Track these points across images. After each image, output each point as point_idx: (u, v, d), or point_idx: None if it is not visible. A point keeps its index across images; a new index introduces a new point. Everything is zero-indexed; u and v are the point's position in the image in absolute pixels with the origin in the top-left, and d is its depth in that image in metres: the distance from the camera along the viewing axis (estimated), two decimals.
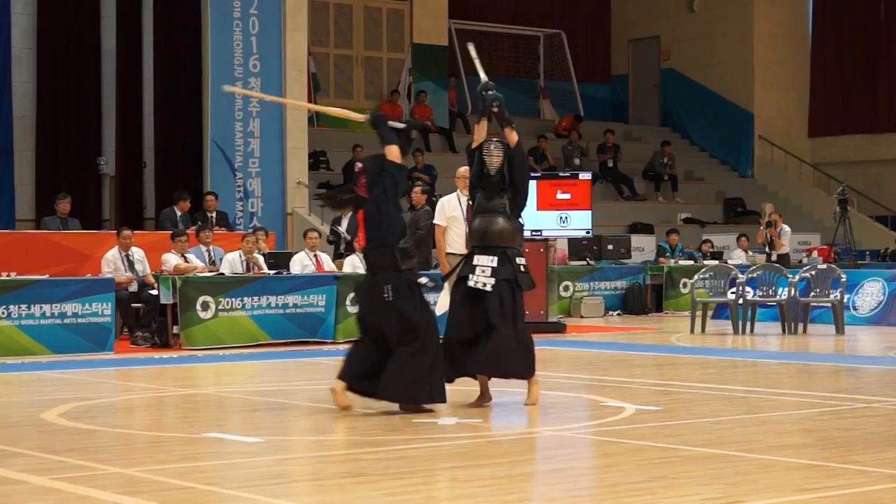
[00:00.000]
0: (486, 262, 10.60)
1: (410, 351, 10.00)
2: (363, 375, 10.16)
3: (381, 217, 10.37)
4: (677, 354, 15.88)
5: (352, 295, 17.36)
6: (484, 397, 10.73)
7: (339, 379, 10.19)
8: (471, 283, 10.58)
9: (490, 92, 10.96)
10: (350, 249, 19.22)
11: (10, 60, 23.34)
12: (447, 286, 12.49)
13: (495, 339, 10.40)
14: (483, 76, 11.34)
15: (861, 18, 30.94)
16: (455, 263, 12.03)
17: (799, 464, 7.79)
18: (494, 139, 10.85)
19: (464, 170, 14.08)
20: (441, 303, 13.04)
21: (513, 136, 10.87)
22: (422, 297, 10.42)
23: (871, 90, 30.71)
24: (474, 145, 10.89)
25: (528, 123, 31.37)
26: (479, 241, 10.75)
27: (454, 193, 14.73)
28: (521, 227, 10.94)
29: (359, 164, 10.85)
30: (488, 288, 10.50)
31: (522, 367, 10.57)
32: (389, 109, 29.12)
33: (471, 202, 11.15)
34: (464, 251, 11.98)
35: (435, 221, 14.72)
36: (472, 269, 10.64)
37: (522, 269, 10.69)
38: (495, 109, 10.92)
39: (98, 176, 23.47)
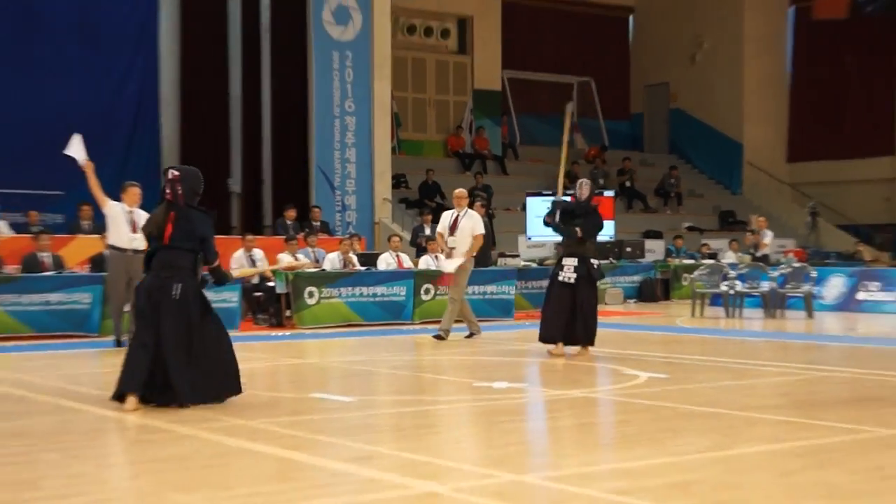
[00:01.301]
0: (570, 263, 12.16)
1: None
2: None
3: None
4: (681, 333, 15.82)
5: (426, 285, 17.49)
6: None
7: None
8: (562, 278, 12.10)
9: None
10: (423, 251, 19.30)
11: (160, 103, 23.60)
12: (450, 258, 14.45)
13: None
14: (566, 137, 13.52)
15: (829, 68, 30.65)
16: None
17: (776, 419, 7.76)
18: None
19: (459, 191, 14.63)
20: (449, 264, 14.33)
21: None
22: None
23: (837, 125, 30.41)
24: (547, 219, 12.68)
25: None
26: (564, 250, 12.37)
27: (453, 210, 14.81)
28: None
29: (174, 172, 8.96)
30: (571, 281, 12.04)
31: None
32: (455, 142, 29.25)
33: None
34: (453, 246, 14.26)
35: (438, 229, 14.97)
36: (561, 267, 12.17)
37: (596, 266, 12.24)
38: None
39: (228, 193, 23.63)
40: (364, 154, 23.16)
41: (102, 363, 12.25)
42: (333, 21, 22.96)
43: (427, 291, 17.60)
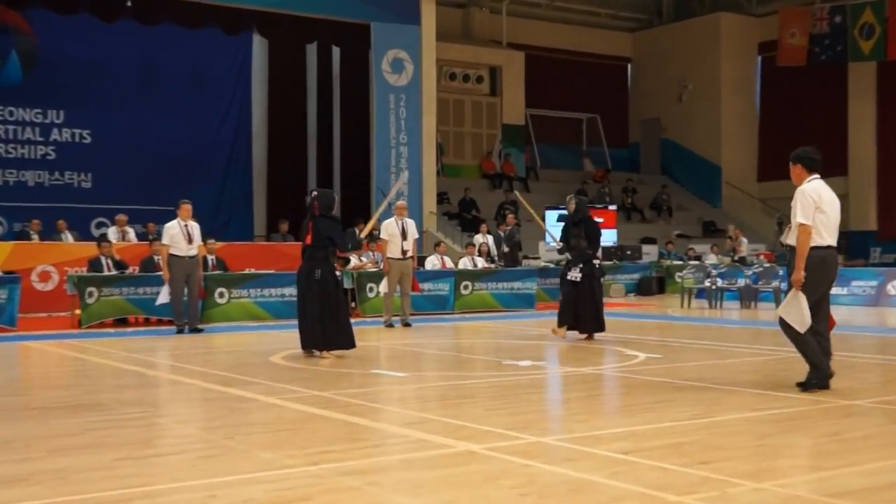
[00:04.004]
0: (577, 265, 12.03)
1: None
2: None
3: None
4: (672, 321, 15.67)
5: (465, 282, 17.43)
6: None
7: None
8: (569, 277, 12.02)
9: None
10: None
11: (251, 136, 23.73)
12: (386, 279, 14.33)
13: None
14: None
15: (791, 103, 30.32)
16: (392, 265, 14.26)
17: (752, 392, 7.62)
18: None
19: (400, 203, 14.61)
20: (383, 286, 14.30)
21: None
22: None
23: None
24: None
25: (575, 174, 31.22)
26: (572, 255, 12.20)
27: (392, 218, 14.65)
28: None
29: (314, 192, 10.75)
30: (578, 279, 11.97)
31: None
32: (487, 165, 29.18)
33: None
34: (399, 257, 13.09)
35: (381, 236, 14.65)
36: (570, 268, 12.10)
37: (598, 265, 12.20)
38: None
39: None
40: (414, 176, 23.15)
41: (192, 344, 12.28)
42: (391, 70, 22.96)
43: (466, 287, 17.53)
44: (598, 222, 12.53)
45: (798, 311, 7.39)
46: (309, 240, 10.41)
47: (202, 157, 23.14)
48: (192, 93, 23.03)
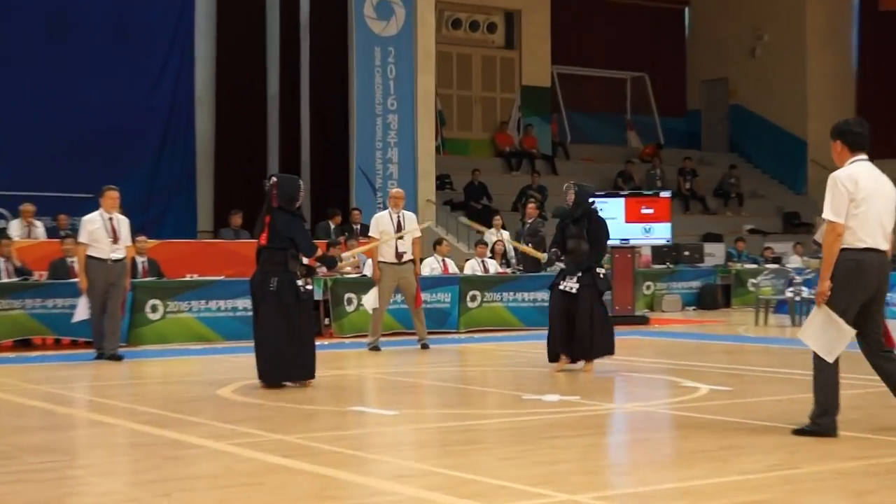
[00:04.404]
0: (573, 272, 11.65)
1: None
2: None
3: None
4: (744, 343, 15.66)
5: (473, 292, 17.45)
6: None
7: None
8: (562, 287, 11.63)
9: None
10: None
11: (194, 103, 23.72)
12: (375, 289, 14.29)
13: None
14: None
15: None
16: (384, 271, 14.26)
17: (848, 436, 7.60)
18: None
19: (396, 191, 14.59)
20: (370, 299, 13.68)
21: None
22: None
23: None
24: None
25: (616, 151, 31.24)
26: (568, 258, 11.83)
27: (386, 211, 14.70)
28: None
29: (273, 179, 10.94)
30: (573, 290, 11.56)
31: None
32: (502, 140, 29.21)
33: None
34: (393, 260, 13.13)
35: (371, 234, 14.69)
36: (563, 276, 11.73)
37: (602, 276, 11.77)
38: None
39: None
40: (407, 154, 23.17)
41: (117, 373, 12.27)
42: (375, 16, 22.98)
43: (473, 298, 17.53)
44: (604, 220, 12.06)
45: (823, 332, 7.37)
46: (264, 239, 10.49)
47: (130, 130, 23.10)
48: (116, 47, 23.03)
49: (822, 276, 7.39)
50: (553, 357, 11.77)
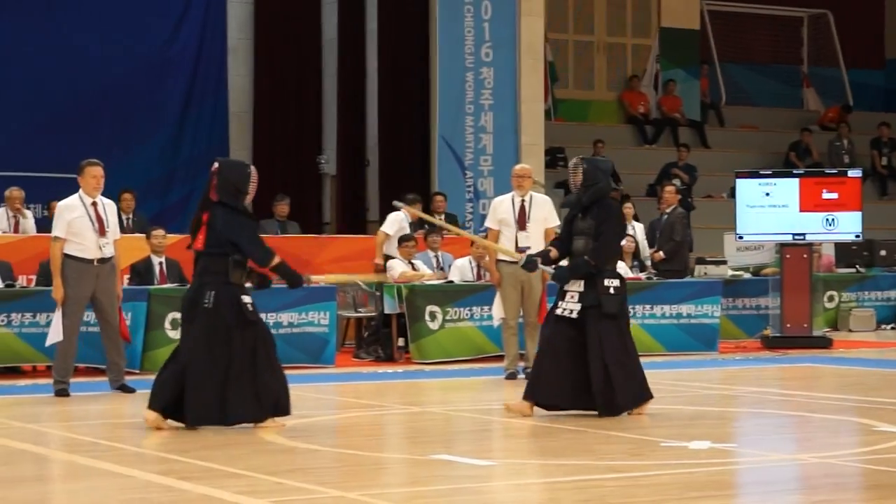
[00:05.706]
0: (573, 288, 11.18)
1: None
2: None
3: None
4: None
5: None
6: None
7: None
8: (559, 311, 11.19)
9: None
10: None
11: (227, 53, 23.89)
12: (498, 296, 14.38)
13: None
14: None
15: None
16: (504, 272, 14.24)
17: None
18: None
19: (520, 168, 14.52)
20: (496, 310, 13.85)
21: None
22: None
23: None
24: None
25: (789, 115, 31.02)
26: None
27: (509, 195, 14.75)
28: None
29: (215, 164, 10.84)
30: (574, 315, 11.08)
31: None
32: (631, 98, 29.13)
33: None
34: (513, 259, 12.94)
35: (487, 224, 14.88)
36: (563, 294, 11.25)
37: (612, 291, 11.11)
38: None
39: (318, 176, 23.87)
40: (507, 121, 23.18)
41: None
42: None
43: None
44: (617, 207, 11.71)
45: None
46: (201, 243, 10.56)
47: (143, 93, 23.41)
48: None
49: None
50: (530, 396, 11.32)
